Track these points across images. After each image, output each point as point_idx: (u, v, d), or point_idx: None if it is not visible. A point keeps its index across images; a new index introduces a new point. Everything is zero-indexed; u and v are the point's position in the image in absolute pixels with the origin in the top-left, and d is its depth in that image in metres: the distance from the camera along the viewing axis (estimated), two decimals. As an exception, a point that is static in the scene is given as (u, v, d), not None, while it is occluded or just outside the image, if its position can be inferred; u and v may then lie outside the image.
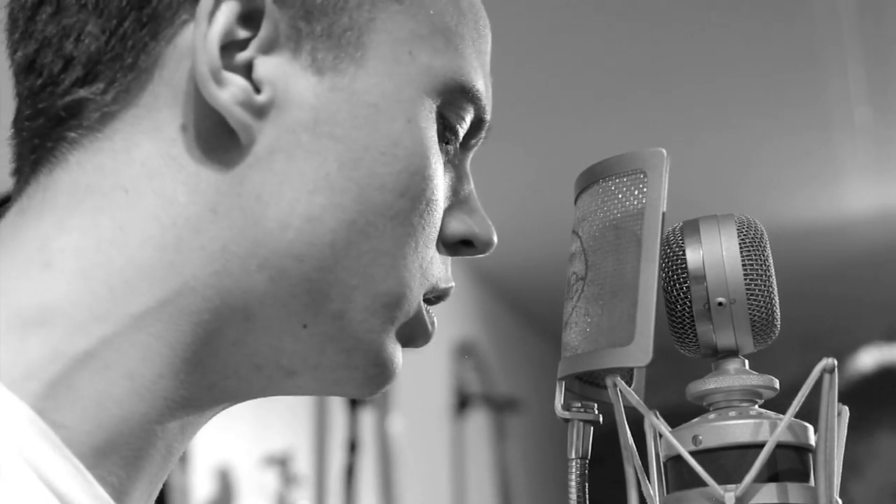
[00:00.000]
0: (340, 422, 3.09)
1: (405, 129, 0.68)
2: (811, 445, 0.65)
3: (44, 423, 0.60)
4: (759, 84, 3.48)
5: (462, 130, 0.72)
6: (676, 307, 0.67)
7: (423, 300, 0.72)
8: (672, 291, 0.67)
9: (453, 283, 0.74)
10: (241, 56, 0.66)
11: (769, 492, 0.63)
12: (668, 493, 0.66)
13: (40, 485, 0.59)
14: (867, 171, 4.13)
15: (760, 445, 0.62)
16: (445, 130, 0.71)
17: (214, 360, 0.66)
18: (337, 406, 3.11)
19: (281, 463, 3.02)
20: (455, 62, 0.70)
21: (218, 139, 0.65)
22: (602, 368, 0.64)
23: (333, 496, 3.15)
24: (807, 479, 0.64)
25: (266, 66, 0.66)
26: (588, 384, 0.68)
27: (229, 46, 0.65)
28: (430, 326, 0.73)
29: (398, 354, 0.72)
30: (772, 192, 4.25)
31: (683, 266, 0.66)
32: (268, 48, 0.66)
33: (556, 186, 3.28)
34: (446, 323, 4.53)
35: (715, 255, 0.66)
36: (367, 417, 3.23)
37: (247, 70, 0.66)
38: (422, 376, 3.99)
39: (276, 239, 0.65)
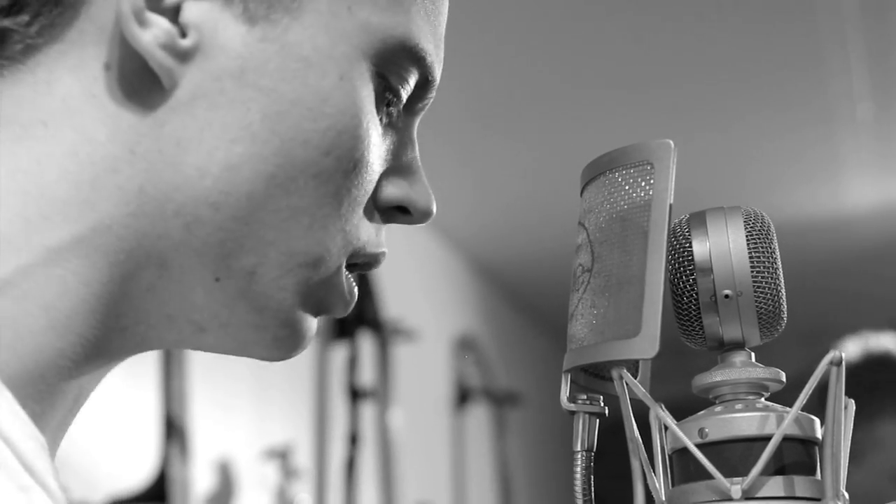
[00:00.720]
0: (341, 415, 3.08)
1: (336, 85, 0.66)
2: (818, 439, 0.64)
3: None
4: (763, 80, 3.48)
5: (405, 92, 0.70)
6: (683, 299, 0.66)
7: (349, 265, 0.71)
8: (678, 283, 0.66)
9: (384, 249, 0.72)
10: None
11: (775, 485, 0.62)
12: (673, 485, 0.65)
13: None
14: (869, 166, 4.13)
15: (767, 438, 0.62)
16: (386, 91, 0.69)
17: (128, 304, 0.65)
18: (337, 399, 3.11)
19: (281, 456, 3.02)
20: (397, 19, 0.68)
21: (140, 80, 0.64)
22: (608, 360, 0.64)
23: (334, 489, 3.15)
24: (813, 473, 0.64)
25: (194, 10, 0.65)
26: (594, 376, 0.68)
27: None
28: (347, 295, 0.71)
29: (310, 321, 0.70)
30: (774, 187, 4.25)
31: (690, 258, 0.66)
32: None
33: (557, 180, 3.28)
34: (446, 317, 4.53)
35: (722, 247, 0.66)
36: (367, 411, 3.23)
37: (174, 13, 0.65)
38: (422, 370, 3.99)
39: (193, 185, 0.64)
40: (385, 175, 0.71)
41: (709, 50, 3.32)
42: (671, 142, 0.65)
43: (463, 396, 4.48)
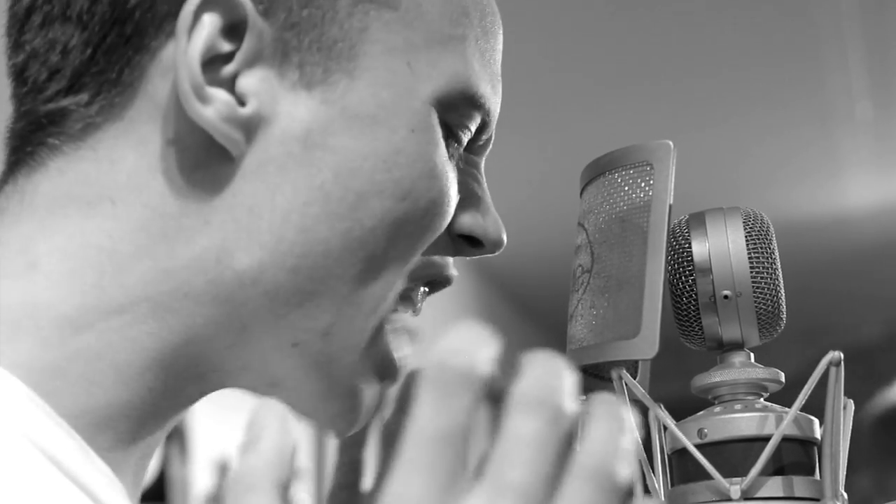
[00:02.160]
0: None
1: (408, 137, 0.66)
2: (817, 439, 0.65)
3: (42, 401, 0.61)
4: (761, 79, 3.48)
5: (466, 136, 0.71)
6: (682, 300, 0.66)
7: (424, 285, 0.72)
8: (678, 284, 0.66)
9: (455, 272, 0.73)
10: (226, 70, 0.64)
11: (774, 485, 0.62)
12: (672, 486, 0.66)
13: (45, 460, 0.59)
14: (868, 165, 4.13)
15: (766, 439, 0.62)
16: (449, 137, 0.70)
17: (206, 358, 0.66)
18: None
19: (281, 456, 3.02)
20: (455, 68, 0.68)
21: (207, 153, 0.65)
22: (608, 361, 0.64)
23: (333, 489, 3.14)
24: (812, 473, 0.64)
25: (250, 79, 0.65)
26: (593, 377, 0.68)
27: (214, 60, 0.64)
28: (395, 354, 0.71)
29: (369, 393, 0.70)
30: (773, 187, 4.25)
31: (689, 259, 0.66)
32: (252, 61, 0.65)
33: (558, 182, 3.28)
34: (447, 317, 4.52)
35: (721, 247, 0.66)
36: (367, 410, 3.22)
37: (231, 84, 0.65)
38: (422, 370, 3.99)
39: (270, 252, 0.65)
40: (457, 207, 0.71)
41: (707, 50, 3.32)
42: (670, 143, 0.65)
43: (462, 396, 4.47)
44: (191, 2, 0.63)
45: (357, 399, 0.70)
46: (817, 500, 0.62)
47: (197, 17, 0.63)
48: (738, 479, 0.62)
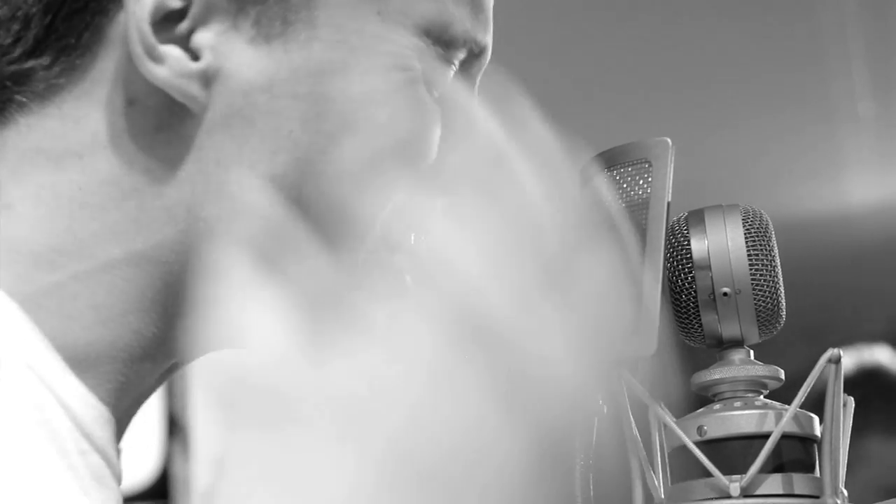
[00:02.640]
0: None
1: (380, 78, 0.67)
2: (816, 436, 0.64)
3: (35, 329, 0.63)
4: (763, 77, 3.48)
5: (450, 73, 0.71)
6: (681, 297, 0.66)
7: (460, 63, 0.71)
8: (677, 281, 0.66)
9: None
10: (180, 27, 0.66)
11: (774, 482, 0.62)
12: (672, 483, 0.66)
13: (41, 386, 0.62)
14: (871, 164, 4.12)
15: (766, 436, 0.62)
16: (432, 78, 0.70)
17: (187, 310, 0.67)
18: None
19: (283, 454, 3.02)
20: (428, 10, 0.69)
21: (169, 111, 0.66)
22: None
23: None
24: (812, 470, 0.64)
25: (205, 34, 0.66)
26: (592, 374, 0.68)
27: (169, 18, 0.65)
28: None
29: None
30: (775, 185, 4.25)
31: (688, 256, 0.66)
32: (206, 16, 0.66)
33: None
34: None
35: (720, 245, 0.66)
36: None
37: (186, 40, 0.66)
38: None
39: (240, 202, 0.66)
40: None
41: (710, 48, 3.32)
42: (669, 140, 0.65)
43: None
44: None
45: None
46: (817, 497, 0.62)
47: None
48: (738, 476, 0.62)
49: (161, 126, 0.66)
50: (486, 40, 0.73)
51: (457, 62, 0.71)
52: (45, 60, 0.66)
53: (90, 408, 0.64)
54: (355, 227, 0.67)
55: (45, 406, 0.61)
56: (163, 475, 2.49)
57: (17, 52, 0.67)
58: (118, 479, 0.66)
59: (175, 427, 2.41)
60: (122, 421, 0.69)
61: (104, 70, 0.66)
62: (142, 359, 0.67)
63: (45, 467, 0.60)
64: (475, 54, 0.72)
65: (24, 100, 0.67)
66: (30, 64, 0.66)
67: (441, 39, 0.69)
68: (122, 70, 0.66)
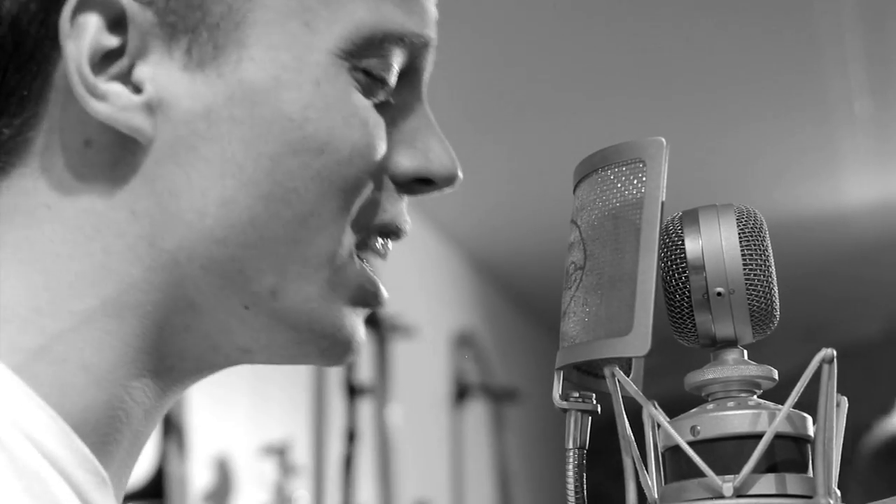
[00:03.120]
0: (339, 411, 3.09)
1: (314, 91, 0.67)
2: (809, 436, 0.64)
3: (32, 391, 0.64)
4: (760, 76, 3.48)
5: (391, 75, 0.70)
6: (675, 297, 0.66)
7: (378, 235, 0.72)
8: (671, 281, 0.66)
9: (406, 218, 0.72)
10: (120, 64, 0.67)
11: (767, 482, 0.62)
12: (666, 483, 0.65)
13: (34, 450, 0.62)
14: (867, 163, 4.13)
15: (759, 436, 0.62)
16: (372, 81, 0.70)
17: (170, 347, 0.69)
18: (336, 396, 3.11)
19: (279, 452, 3.02)
20: (358, 14, 0.68)
21: (122, 146, 0.67)
22: (601, 358, 0.64)
23: (332, 486, 3.15)
24: (805, 470, 0.64)
25: (144, 68, 0.67)
26: (586, 374, 0.68)
27: (108, 56, 0.67)
28: (368, 282, 0.71)
29: (351, 322, 0.71)
30: (772, 184, 4.25)
31: (682, 256, 0.66)
32: (142, 50, 0.67)
33: (554, 177, 3.28)
34: (445, 313, 4.53)
35: (714, 244, 0.66)
36: (365, 407, 3.23)
37: (128, 77, 0.67)
38: (420, 366, 3.99)
39: (197, 228, 0.67)
40: (397, 150, 0.71)
41: (707, 47, 3.32)
42: (663, 139, 0.65)
43: (461, 393, 4.48)
44: (66, 8, 0.65)
45: (339, 333, 0.71)
46: (810, 497, 0.62)
47: (74, 21, 0.66)
48: (731, 476, 0.62)
49: (116, 163, 0.67)
50: (425, 32, 0.71)
51: (396, 61, 0.70)
52: (6, 119, 0.68)
53: (90, 473, 0.65)
54: (316, 243, 0.68)
55: (44, 475, 0.62)
56: (158, 474, 2.49)
57: None
58: None
59: (171, 426, 2.41)
60: (121, 479, 0.70)
61: (57, 118, 0.68)
62: (136, 413, 0.68)
63: None
64: (418, 47, 0.71)
65: (1, 165, 0.68)
66: None
67: (374, 41, 0.69)
68: (73, 114, 0.67)
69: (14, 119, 0.68)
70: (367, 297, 0.72)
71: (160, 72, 0.67)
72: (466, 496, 4.48)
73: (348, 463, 3.06)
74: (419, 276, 4.30)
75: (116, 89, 0.66)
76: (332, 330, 0.70)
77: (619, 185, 0.66)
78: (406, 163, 0.71)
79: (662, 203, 0.64)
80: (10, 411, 0.63)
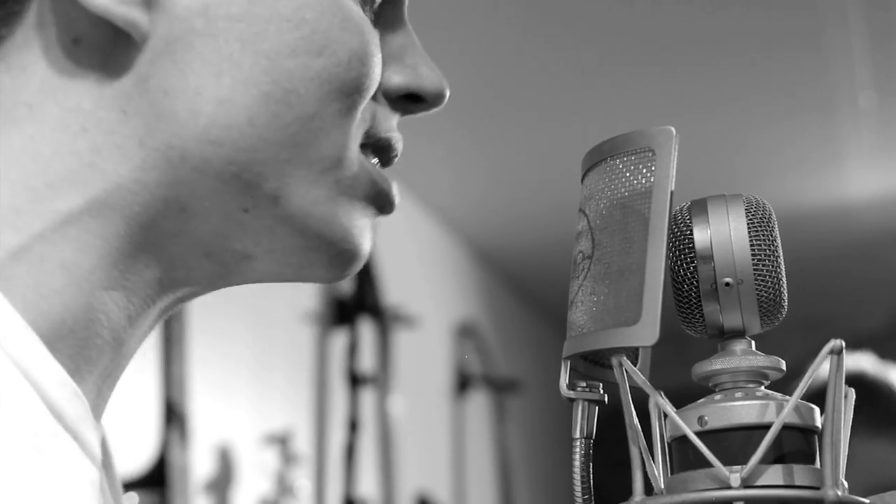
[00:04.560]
0: (341, 401, 3.09)
1: None
2: (817, 427, 0.64)
3: (6, 302, 0.62)
4: (765, 67, 3.47)
5: None
6: (683, 287, 0.66)
7: (371, 152, 0.71)
8: (679, 271, 0.66)
9: (398, 135, 0.72)
10: None
11: (775, 473, 0.62)
12: (672, 473, 0.65)
13: (6, 361, 0.61)
14: (871, 155, 4.12)
15: (766, 427, 0.62)
16: None
17: (157, 252, 0.67)
18: (337, 385, 3.11)
19: (281, 442, 3.03)
20: None
21: (113, 43, 0.65)
22: (608, 348, 0.64)
23: (333, 475, 3.15)
24: (812, 461, 0.64)
25: None
26: (593, 364, 0.68)
27: None
28: (381, 181, 0.71)
29: (360, 225, 0.70)
30: (775, 176, 4.25)
31: (691, 245, 0.66)
32: None
33: (558, 167, 3.27)
34: (447, 304, 4.53)
35: (723, 234, 0.65)
36: (367, 397, 3.23)
37: None
38: (422, 356, 3.99)
39: (191, 128, 0.65)
40: (386, 66, 0.71)
41: (711, 38, 3.32)
42: (673, 129, 0.65)
43: (463, 383, 4.48)
44: None
45: (349, 237, 0.69)
46: (817, 488, 0.62)
47: None
48: (738, 466, 0.62)
49: (107, 62, 0.65)
50: None
51: None
52: None
53: (63, 385, 0.63)
54: (320, 146, 0.67)
55: (14, 386, 0.61)
56: (160, 462, 2.49)
57: None
58: (93, 457, 0.65)
59: (173, 414, 2.41)
60: (102, 389, 0.68)
61: (43, 14, 0.66)
62: (119, 319, 0.67)
63: (11, 452, 0.59)
64: None
65: None
66: None
67: None
68: (63, 10, 0.65)
69: None
70: (378, 196, 0.71)
71: None
72: (467, 487, 4.48)
73: (350, 452, 3.06)
74: (421, 267, 4.30)
75: None
76: (343, 233, 0.69)
77: (627, 175, 0.66)
78: (397, 78, 0.71)
79: (672, 193, 0.64)
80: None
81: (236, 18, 0.66)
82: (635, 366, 0.67)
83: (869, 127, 3.85)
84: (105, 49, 0.65)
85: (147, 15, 0.65)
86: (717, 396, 0.65)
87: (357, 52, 0.67)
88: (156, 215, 0.66)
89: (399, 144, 0.72)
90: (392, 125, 0.72)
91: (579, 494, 0.66)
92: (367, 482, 3.28)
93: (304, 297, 3.09)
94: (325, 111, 0.67)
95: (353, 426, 3.07)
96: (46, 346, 0.63)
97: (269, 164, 0.66)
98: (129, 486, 2.36)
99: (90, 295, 0.65)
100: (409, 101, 0.72)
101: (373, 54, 0.68)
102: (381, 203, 0.71)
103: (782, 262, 0.66)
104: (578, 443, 0.67)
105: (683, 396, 0.67)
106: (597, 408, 0.68)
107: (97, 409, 0.68)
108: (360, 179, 0.69)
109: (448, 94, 0.72)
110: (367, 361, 3.18)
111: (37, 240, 0.64)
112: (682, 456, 0.64)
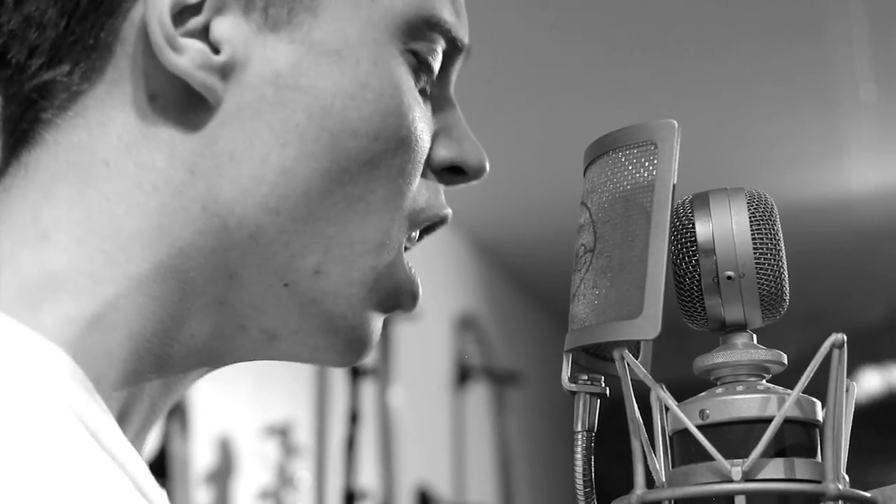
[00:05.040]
0: (341, 393, 3.09)
1: (371, 71, 0.68)
2: (818, 421, 0.64)
3: (80, 370, 0.63)
4: (765, 59, 3.47)
5: (436, 63, 0.72)
6: (685, 280, 0.66)
7: (420, 230, 0.73)
8: (681, 264, 0.66)
9: (449, 211, 0.74)
10: (196, 20, 0.67)
11: (776, 467, 0.62)
12: (674, 466, 0.65)
13: (83, 430, 0.61)
14: (871, 148, 4.12)
15: (768, 420, 0.62)
16: (419, 65, 0.71)
17: (201, 320, 0.68)
18: (338, 377, 3.11)
19: (282, 433, 3.03)
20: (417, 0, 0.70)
21: (187, 104, 0.67)
22: (610, 341, 0.64)
23: (333, 467, 3.15)
24: (814, 455, 0.64)
25: (222, 27, 0.67)
26: (594, 357, 0.68)
27: (184, 12, 0.66)
28: (412, 284, 0.73)
29: (377, 321, 0.72)
30: (775, 169, 4.24)
31: (693, 239, 0.66)
32: (220, 8, 0.67)
33: (560, 160, 3.27)
34: (448, 295, 4.53)
35: (725, 228, 0.65)
36: (368, 389, 3.23)
37: (204, 33, 0.67)
38: (423, 348, 4.00)
39: (252, 195, 0.67)
40: (434, 140, 0.73)
41: (711, 30, 3.31)
42: (675, 122, 0.65)
43: (463, 375, 4.48)
44: None
45: (365, 328, 0.72)
46: (819, 482, 0.62)
47: None
48: (740, 460, 0.62)
49: (180, 120, 0.66)
50: (466, 37, 0.74)
51: (440, 55, 0.72)
52: (64, 68, 0.67)
53: (140, 463, 0.63)
54: (364, 229, 0.69)
55: (106, 469, 0.61)
56: (161, 454, 2.49)
57: (36, 63, 0.67)
58: None
59: (174, 406, 2.42)
60: (138, 446, 0.69)
61: (122, 69, 0.67)
62: (157, 385, 0.68)
63: None
64: (457, 48, 0.74)
65: (48, 116, 0.67)
66: (49, 75, 0.67)
67: (428, 24, 0.70)
68: (141, 66, 0.66)
69: (74, 68, 0.67)
70: (404, 298, 0.73)
71: (237, 32, 0.67)
72: (467, 478, 4.49)
73: (350, 444, 3.06)
74: (422, 258, 4.29)
75: (196, 45, 0.66)
76: (362, 321, 0.71)
77: (630, 168, 0.66)
78: (444, 152, 0.73)
79: (674, 186, 0.64)
80: (70, 401, 0.61)
81: (304, 90, 0.67)
82: (637, 359, 0.67)
83: (869, 120, 3.85)
84: (180, 108, 0.67)
85: (222, 82, 0.66)
86: (719, 390, 0.65)
87: (406, 141, 0.69)
88: (206, 281, 0.67)
89: (449, 216, 0.75)
90: (442, 201, 0.74)
91: (581, 487, 0.66)
92: (368, 474, 3.28)
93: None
94: (372, 196, 0.69)
95: (354, 418, 3.07)
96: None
97: (315, 238, 0.68)
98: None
99: (143, 363, 0.66)
100: (451, 172, 0.74)
101: (425, 141, 0.71)
102: (404, 305, 0.74)
103: (784, 256, 0.66)
104: (580, 436, 0.67)
105: (685, 390, 0.67)
106: (598, 401, 0.68)
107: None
108: (397, 275, 0.72)
109: (488, 169, 0.75)
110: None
111: (110, 307, 0.65)
112: (684, 449, 0.65)
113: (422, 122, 0.71)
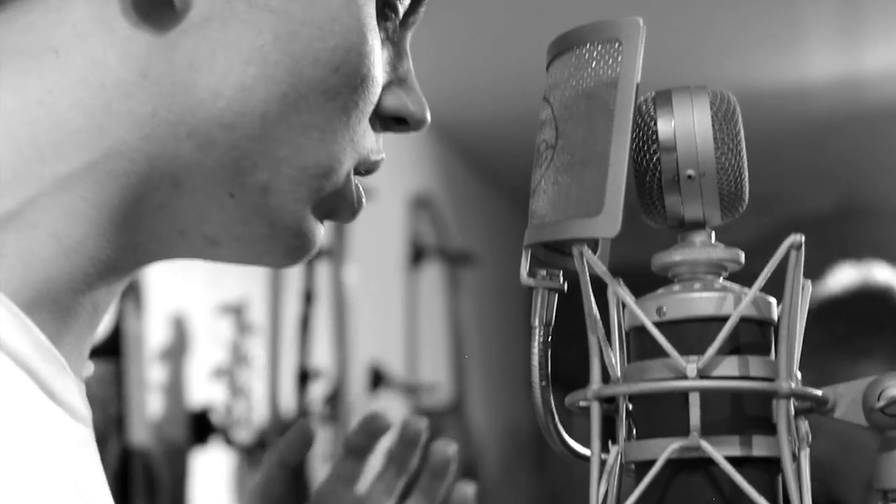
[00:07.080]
0: (296, 272, 3.09)
1: (343, 5, 0.68)
2: (773, 320, 0.65)
3: None
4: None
5: (402, 7, 0.73)
6: (646, 178, 0.66)
7: (354, 173, 0.73)
8: (642, 162, 0.66)
9: (383, 155, 0.74)
10: None
11: (730, 364, 0.63)
12: (629, 362, 0.66)
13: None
14: (831, 36, 4.11)
15: (724, 318, 0.63)
16: (385, 7, 0.71)
17: (140, 223, 0.67)
18: (293, 256, 3.11)
19: (236, 311, 3.04)
20: None
21: (152, 4, 0.64)
22: (570, 238, 0.64)
23: (287, 345, 3.17)
24: (767, 353, 0.65)
25: None
26: (553, 251, 0.68)
27: None
28: (355, 203, 0.74)
29: (319, 228, 0.73)
30: (733, 56, 4.24)
31: (654, 137, 0.66)
32: None
33: (522, 46, 3.25)
34: (403, 175, 4.53)
35: (687, 126, 0.65)
36: (322, 268, 3.24)
37: None
38: (377, 228, 4.00)
39: (207, 107, 0.65)
40: (383, 87, 0.73)
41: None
42: (640, 20, 0.65)
43: (417, 255, 4.50)
44: None
45: (306, 236, 0.71)
46: (772, 380, 0.63)
47: None
48: (695, 357, 0.62)
49: (143, 19, 0.64)
50: None
51: (406, 2, 0.73)
52: None
53: (50, 363, 0.63)
54: (316, 156, 0.69)
55: (3, 368, 0.60)
56: (115, 332, 2.50)
57: None
58: (85, 421, 0.66)
59: (128, 284, 2.41)
60: (81, 350, 0.68)
61: None
62: (98, 286, 0.67)
63: (18, 433, 0.59)
64: (418, 2, 0.74)
65: None
66: None
67: None
68: None
69: None
70: (343, 214, 0.74)
71: None
72: (420, 357, 4.53)
73: (304, 323, 3.08)
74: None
75: None
76: (306, 231, 0.71)
77: (593, 65, 0.65)
78: (393, 101, 0.73)
79: (637, 85, 0.64)
80: None
81: (275, 12, 0.66)
82: (595, 253, 0.67)
83: (829, 7, 3.84)
84: (143, 6, 0.64)
85: None
86: (676, 287, 0.66)
87: (366, 80, 0.69)
88: (148, 186, 0.66)
89: (381, 163, 0.75)
90: (380, 145, 0.74)
91: (537, 381, 0.67)
92: (321, 352, 3.31)
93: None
94: (327, 126, 0.68)
95: (308, 297, 3.08)
96: (31, 314, 0.62)
97: (267, 158, 0.67)
98: (83, 353, 2.37)
99: (76, 265, 0.64)
100: (393, 120, 0.74)
101: (378, 84, 0.71)
102: (344, 217, 0.74)
103: (745, 156, 0.66)
104: (537, 331, 0.67)
105: (642, 285, 0.67)
106: (556, 295, 0.68)
107: (77, 370, 0.67)
108: (342, 196, 0.72)
109: (429, 121, 0.75)
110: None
111: (30, 205, 0.63)
112: (640, 345, 0.65)
113: (379, 68, 0.71)
